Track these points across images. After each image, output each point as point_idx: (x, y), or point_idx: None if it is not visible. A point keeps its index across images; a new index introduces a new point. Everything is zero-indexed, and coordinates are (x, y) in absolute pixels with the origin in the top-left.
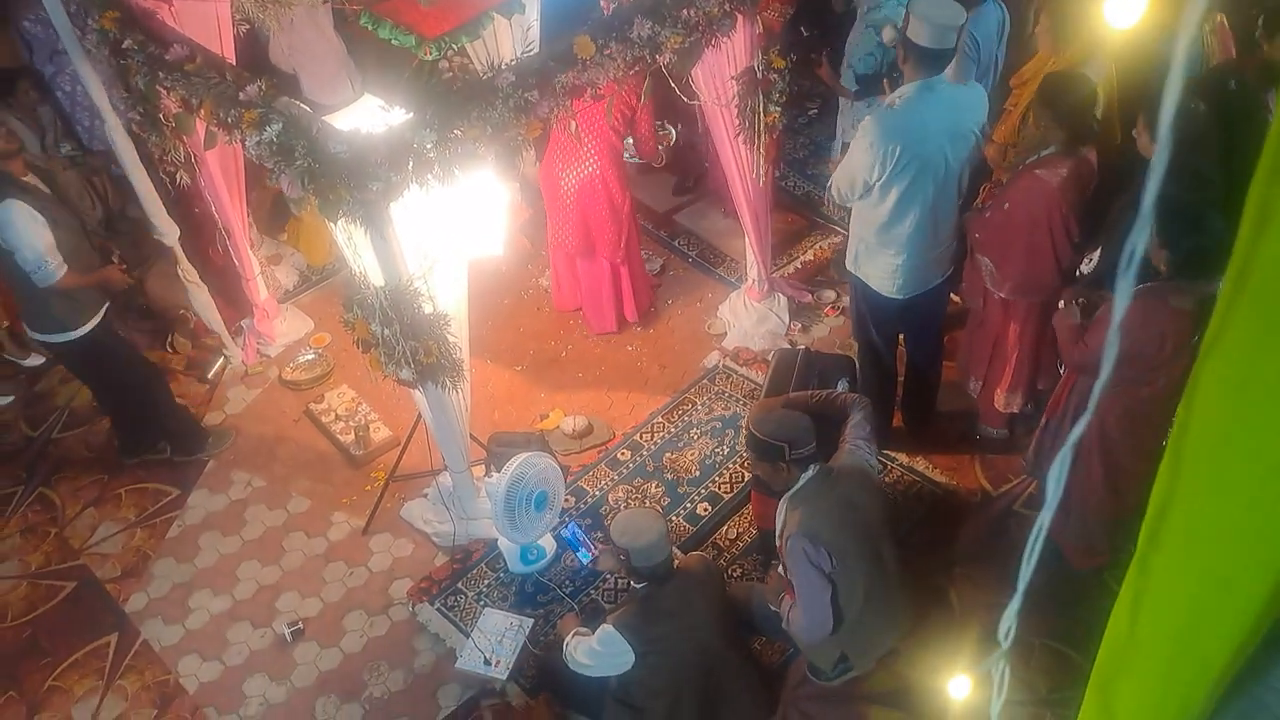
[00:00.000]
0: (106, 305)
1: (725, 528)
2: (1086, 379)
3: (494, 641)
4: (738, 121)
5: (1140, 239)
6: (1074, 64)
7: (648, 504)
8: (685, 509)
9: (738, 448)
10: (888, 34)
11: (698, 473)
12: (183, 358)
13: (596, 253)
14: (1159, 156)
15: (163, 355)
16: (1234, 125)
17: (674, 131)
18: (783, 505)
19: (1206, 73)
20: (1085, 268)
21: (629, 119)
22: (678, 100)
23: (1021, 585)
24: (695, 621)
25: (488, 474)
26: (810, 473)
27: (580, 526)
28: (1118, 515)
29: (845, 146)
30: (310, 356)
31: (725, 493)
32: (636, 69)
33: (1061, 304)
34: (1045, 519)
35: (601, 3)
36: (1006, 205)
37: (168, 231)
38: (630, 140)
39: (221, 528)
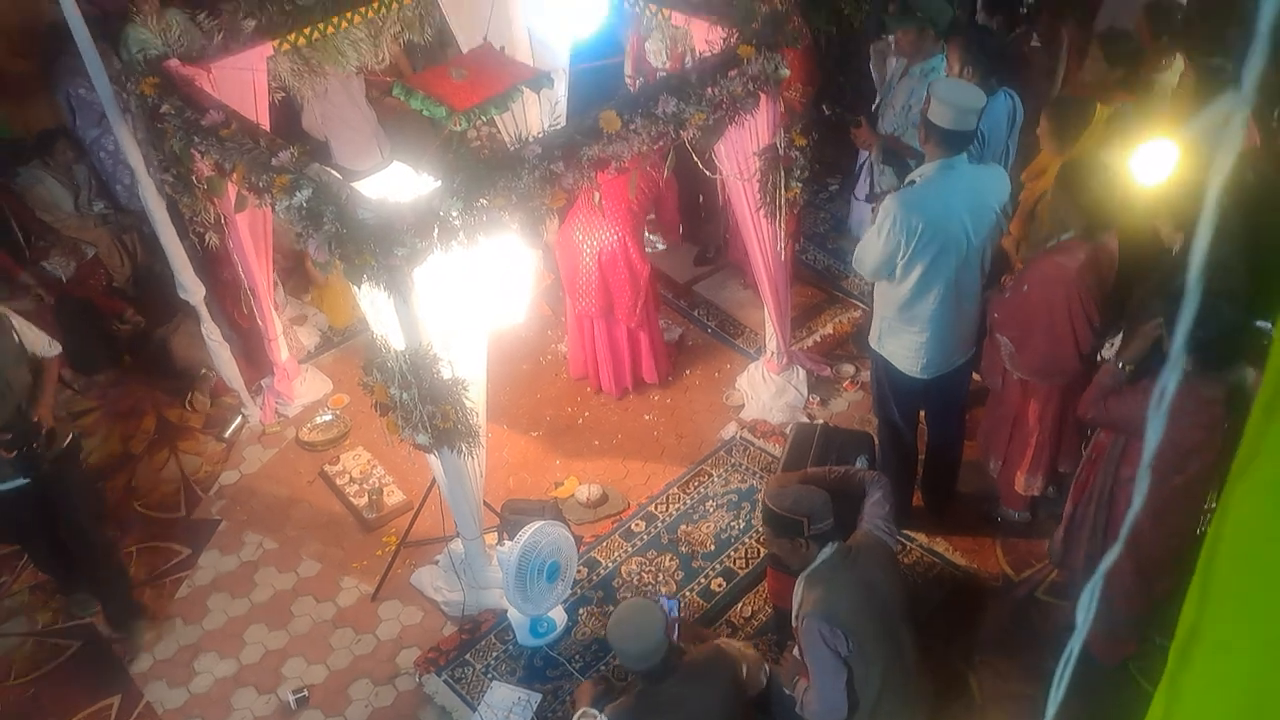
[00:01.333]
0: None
1: (740, 605)
2: (1109, 461)
3: (501, 717)
4: (759, 196)
5: (1182, 328)
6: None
7: (661, 578)
8: (699, 584)
9: (754, 522)
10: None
11: (713, 547)
12: (201, 416)
13: (614, 315)
14: (1196, 258)
15: (181, 413)
16: (1254, 214)
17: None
18: (799, 583)
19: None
20: (1106, 352)
21: (654, 198)
22: (700, 173)
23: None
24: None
25: (500, 542)
26: (829, 551)
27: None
28: (1146, 605)
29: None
30: (328, 418)
31: (740, 568)
32: (660, 144)
33: (1112, 358)
34: (1075, 646)
35: (627, 79)
36: (1026, 288)
37: (194, 290)
38: (651, 220)
39: (230, 589)
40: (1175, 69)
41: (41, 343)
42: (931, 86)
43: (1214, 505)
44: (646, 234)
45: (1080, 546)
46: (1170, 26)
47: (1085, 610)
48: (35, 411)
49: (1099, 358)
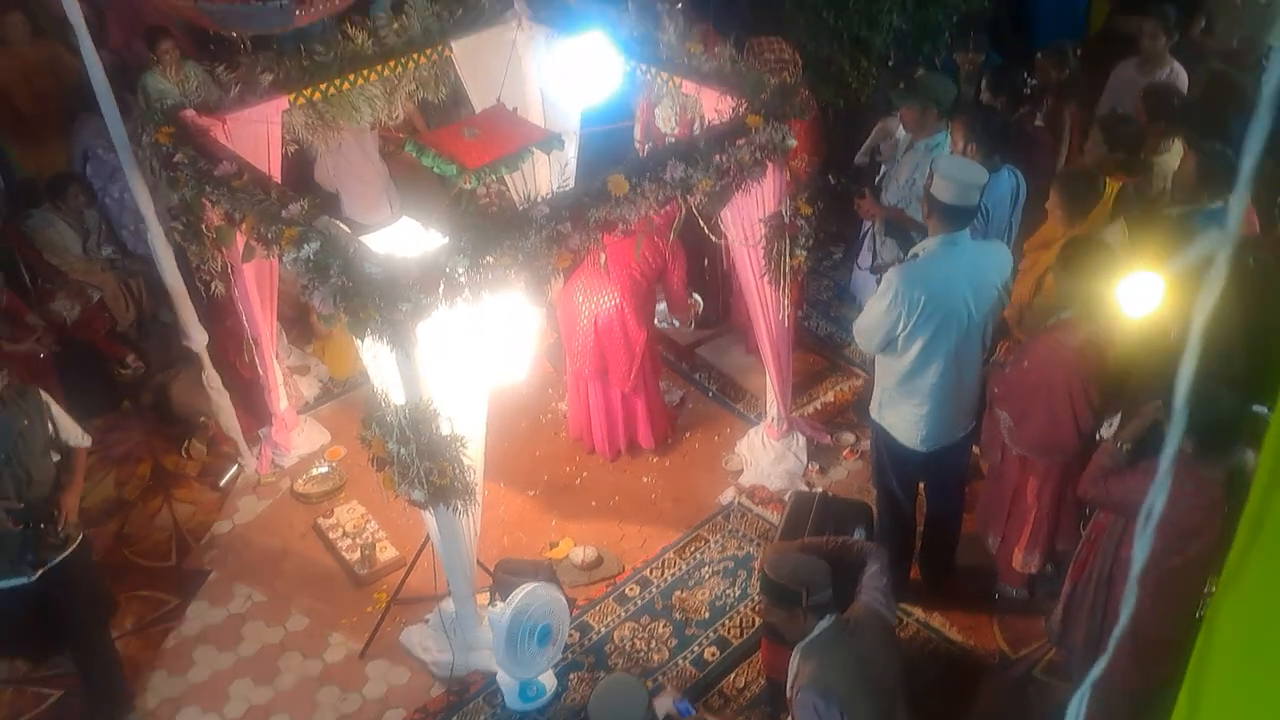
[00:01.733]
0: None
1: (733, 675)
2: (1108, 540)
3: None
4: (764, 262)
5: (1173, 439)
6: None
7: (654, 645)
8: (692, 653)
9: (750, 590)
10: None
11: (707, 614)
12: (197, 464)
13: (609, 379)
14: (1190, 350)
15: (177, 460)
16: (1252, 302)
17: (700, 302)
18: (795, 655)
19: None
20: (1105, 432)
21: (660, 269)
22: (705, 237)
23: None
24: None
25: (492, 602)
26: (826, 623)
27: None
28: (1142, 687)
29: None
30: (323, 470)
31: (735, 638)
32: (667, 208)
33: (1116, 443)
34: None
35: (636, 144)
36: (1026, 364)
37: (197, 338)
38: (663, 300)
39: (218, 642)
40: (1175, 152)
41: (75, 433)
42: (935, 163)
43: (1213, 589)
44: (662, 310)
45: (1079, 626)
46: (1168, 111)
47: (1075, 714)
48: (62, 500)
49: (1098, 437)
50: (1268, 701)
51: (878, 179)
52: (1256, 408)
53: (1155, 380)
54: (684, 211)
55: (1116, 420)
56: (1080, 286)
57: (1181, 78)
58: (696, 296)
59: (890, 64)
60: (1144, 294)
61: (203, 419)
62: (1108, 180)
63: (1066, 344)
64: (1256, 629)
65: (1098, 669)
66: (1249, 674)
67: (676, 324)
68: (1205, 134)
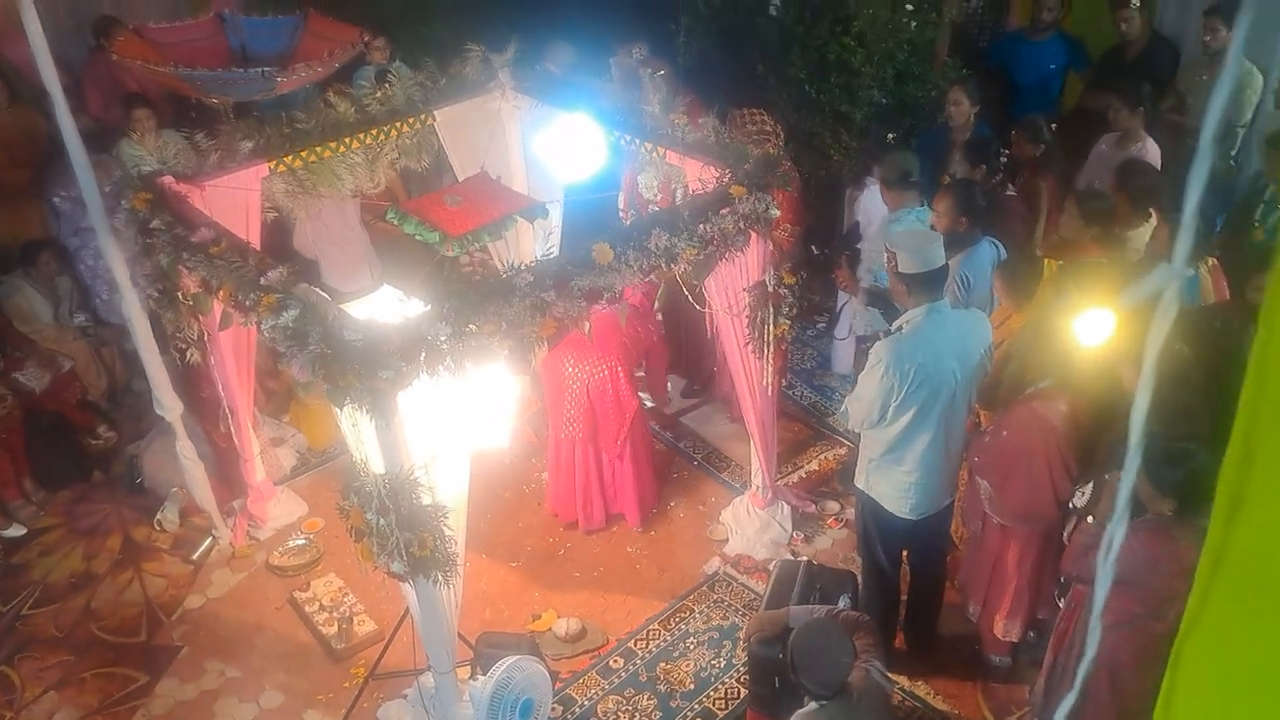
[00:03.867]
0: None
1: None
2: (1087, 614)
3: None
4: (748, 331)
5: (1128, 479)
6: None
7: (638, 718)
8: None
9: (735, 661)
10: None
11: (692, 686)
12: (169, 536)
13: (599, 441)
14: (1140, 397)
15: (148, 532)
16: (1218, 365)
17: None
18: None
19: (1196, 312)
20: (1078, 500)
21: (647, 342)
22: (689, 306)
23: None
24: None
25: (473, 676)
26: (828, 699)
27: None
28: None
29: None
30: (300, 542)
31: (720, 709)
32: (652, 276)
33: (1090, 518)
34: None
35: (621, 213)
36: (1005, 433)
37: (171, 407)
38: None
39: None
40: (1148, 227)
41: None
42: (887, 241)
43: None
44: (639, 386)
45: (1061, 697)
46: (1142, 186)
47: None
48: None
49: (1071, 505)
50: None
51: (857, 246)
52: None
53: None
54: (664, 285)
55: (1089, 490)
56: (1054, 355)
57: (1153, 152)
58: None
59: (870, 137)
60: (1098, 327)
61: (175, 489)
62: (1046, 260)
63: (1045, 413)
64: (1219, 664)
65: (1065, 706)
66: (1213, 707)
67: (650, 404)
68: (1177, 207)
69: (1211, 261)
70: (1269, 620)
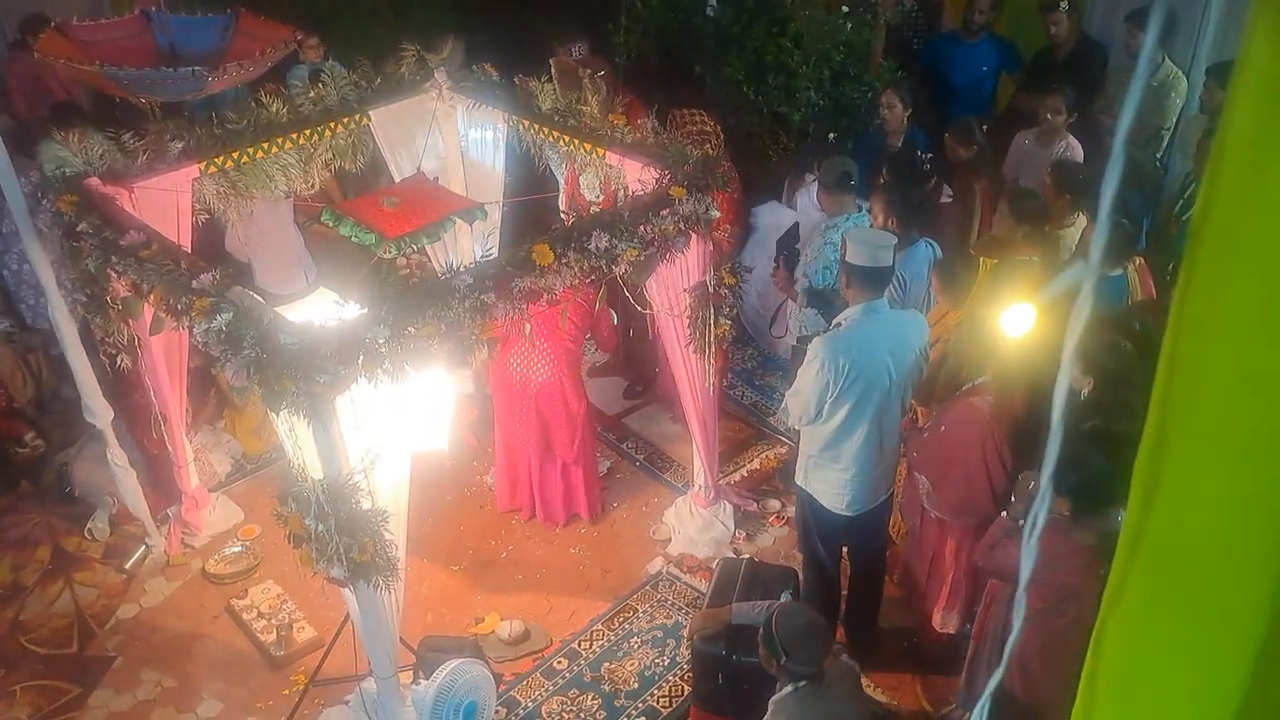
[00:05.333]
0: None
1: None
2: (1000, 605)
3: None
4: (689, 332)
5: (1046, 476)
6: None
7: (583, 718)
8: None
9: (679, 659)
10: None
11: (636, 685)
12: (100, 545)
13: (552, 451)
14: (1057, 404)
15: (79, 542)
16: (1148, 362)
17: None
18: (771, 708)
19: (1125, 310)
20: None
21: (585, 328)
22: (631, 307)
23: None
24: None
25: (415, 681)
26: (802, 681)
27: None
28: None
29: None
30: (237, 549)
31: (664, 707)
32: (592, 278)
33: (1005, 514)
34: None
35: (561, 214)
36: (943, 428)
37: (101, 414)
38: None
39: None
40: (1079, 226)
41: None
42: (845, 234)
43: None
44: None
45: (980, 685)
46: (1073, 185)
47: None
48: None
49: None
50: (1152, 706)
51: (796, 246)
52: None
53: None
54: (604, 286)
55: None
56: (990, 352)
57: (1077, 151)
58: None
59: (808, 138)
60: (1020, 319)
61: (106, 496)
62: (982, 260)
63: (981, 407)
64: (1137, 642)
65: (994, 680)
66: (1134, 683)
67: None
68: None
69: (1139, 261)
70: (1180, 602)
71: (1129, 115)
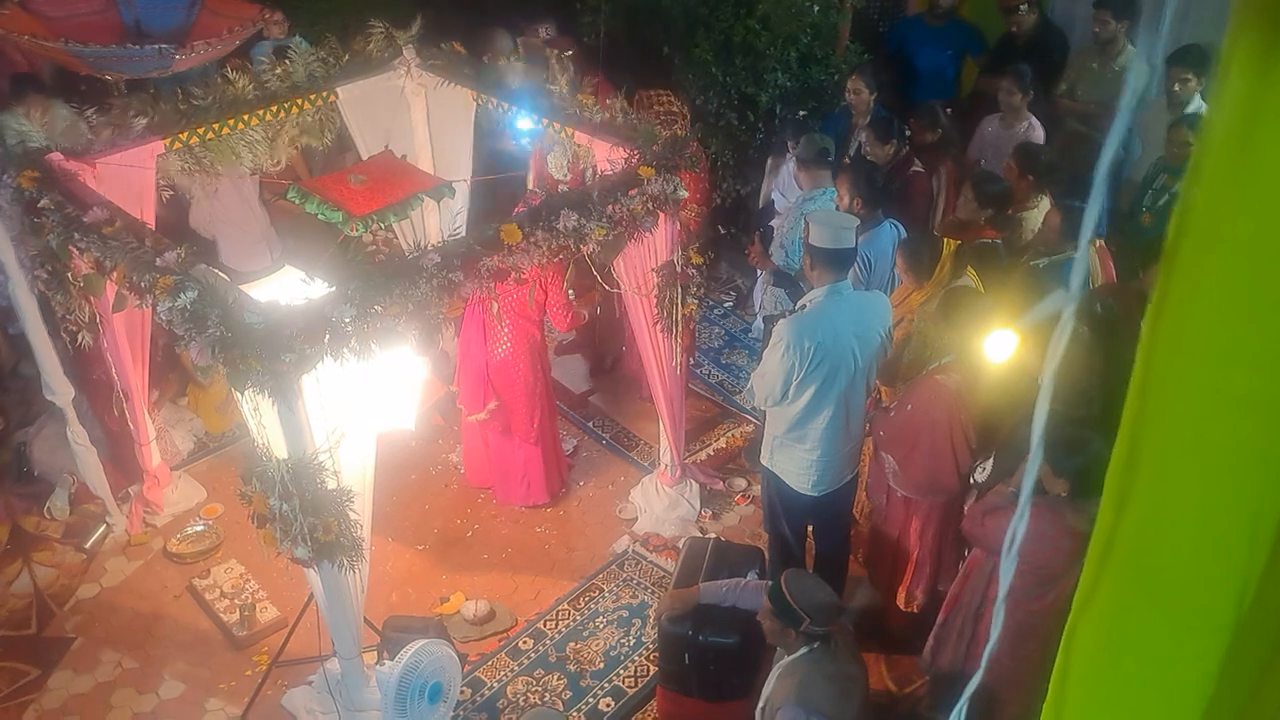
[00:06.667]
0: None
1: None
2: (980, 577)
3: None
4: (656, 311)
5: (1031, 475)
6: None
7: (548, 698)
8: (587, 704)
9: (644, 639)
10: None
11: (602, 665)
12: (60, 524)
13: (510, 431)
14: (1040, 407)
15: (38, 521)
16: (1111, 347)
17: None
18: (774, 672)
19: (1087, 294)
20: (979, 476)
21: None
22: (596, 284)
23: None
24: None
25: (380, 661)
26: (814, 644)
27: None
28: None
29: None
30: (199, 528)
31: (630, 687)
32: (560, 257)
33: (989, 482)
34: None
35: (530, 192)
36: (910, 407)
37: (62, 391)
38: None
39: (83, 713)
40: (1041, 208)
41: None
42: (807, 216)
43: None
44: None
45: (946, 653)
46: (1036, 168)
47: None
48: None
49: (972, 481)
50: (1120, 707)
51: (770, 224)
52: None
53: (1024, 426)
54: (571, 265)
55: (989, 465)
56: (958, 334)
57: (1038, 132)
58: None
59: (776, 119)
60: (1003, 346)
61: (66, 474)
62: (945, 241)
63: (947, 384)
64: (1107, 648)
65: (974, 683)
66: (1103, 685)
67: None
68: (1068, 191)
69: (1099, 243)
70: (1149, 608)
71: (1111, 149)
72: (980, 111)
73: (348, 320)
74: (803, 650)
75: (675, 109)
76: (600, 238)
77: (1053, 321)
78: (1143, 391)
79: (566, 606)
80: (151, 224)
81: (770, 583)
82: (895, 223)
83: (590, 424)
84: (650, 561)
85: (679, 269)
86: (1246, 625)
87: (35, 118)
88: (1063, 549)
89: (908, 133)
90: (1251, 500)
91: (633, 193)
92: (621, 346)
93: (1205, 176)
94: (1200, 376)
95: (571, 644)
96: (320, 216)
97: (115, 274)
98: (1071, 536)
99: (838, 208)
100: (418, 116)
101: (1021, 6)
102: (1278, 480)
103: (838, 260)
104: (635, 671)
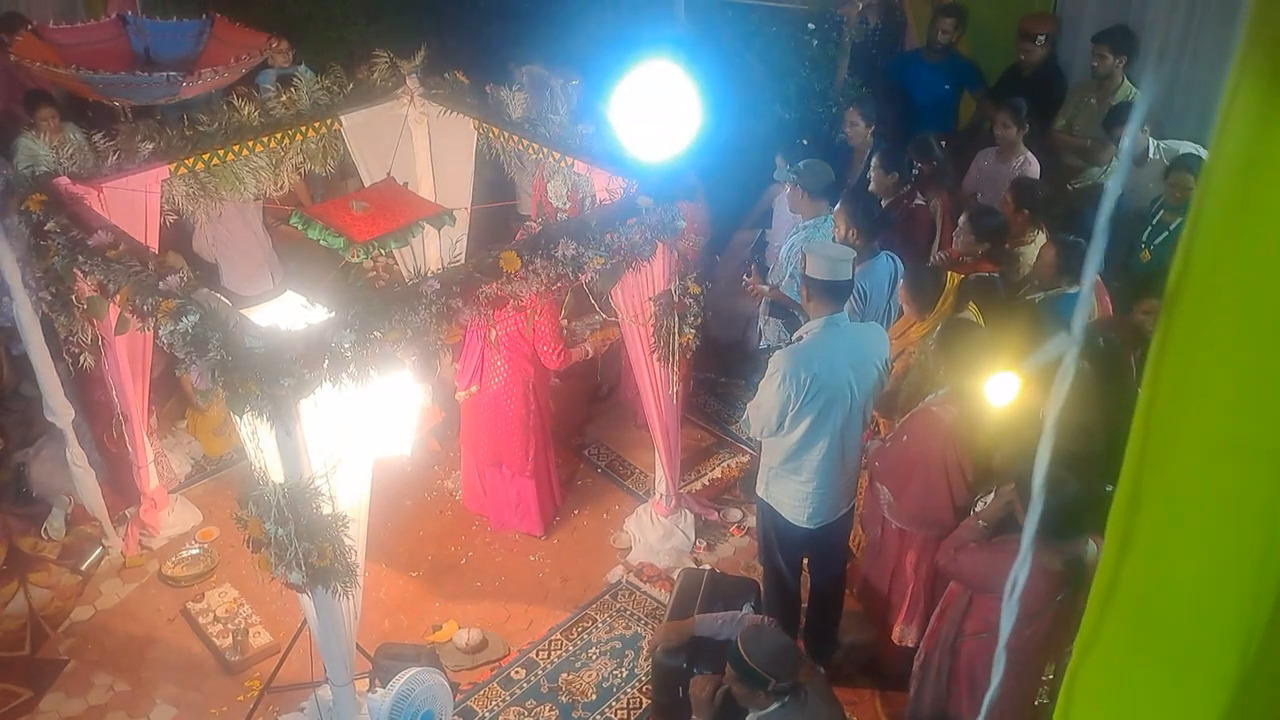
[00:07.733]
0: None
1: None
2: (956, 610)
3: None
4: (653, 339)
5: (1032, 522)
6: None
7: None
8: None
9: (637, 670)
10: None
11: (594, 696)
12: (56, 546)
13: (504, 463)
14: (1042, 451)
15: (35, 542)
16: (1106, 381)
17: (579, 336)
18: None
19: (1088, 328)
20: (979, 508)
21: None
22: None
23: None
24: None
25: (371, 689)
26: (786, 699)
27: None
28: None
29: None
30: (194, 551)
31: (622, 719)
32: (559, 285)
33: (974, 516)
34: None
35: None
36: (905, 439)
37: (62, 413)
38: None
39: None
40: (1038, 243)
41: None
42: (804, 248)
43: (1052, 676)
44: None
45: (928, 691)
46: (1032, 202)
47: None
48: None
49: (971, 512)
50: None
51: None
52: (1110, 488)
53: (1015, 462)
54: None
55: (990, 498)
56: (955, 366)
57: (1033, 166)
58: (566, 323)
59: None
60: (1004, 389)
61: (64, 495)
62: (950, 274)
63: (942, 417)
64: (1110, 691)
65: None
66: None
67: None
68: (1064, 226)
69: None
70: (1153, 653)
71: (1113, 197)
72: (978, 145)
73: (347, 345)
74: (774, 707)
75: None
76: (598, 266)
77: (1055, 364)
78: (1145, 435)
79: (559, 636)
80: (155, 248)
81: (762, 618)
82: (891, 255)
83: (585, 451)
84: (644, 592)
85: (676, 298)
86: (1251, 678)
87: (49, 130)
88: (1035, 589)
89: (916, 168)
90: (1257, 549)
91: (631, 222)
92: (618, 373)
93: (1206, 224)
94: (1204, 424)
95: (564, 674)
96: (322, 242)
97: (118, 297)
98: (1046, 575)
99: (834, 238)
100: (420, 144)
101: (1040, 38)
102: None
103: (834, 292)
104: (628, 704)
